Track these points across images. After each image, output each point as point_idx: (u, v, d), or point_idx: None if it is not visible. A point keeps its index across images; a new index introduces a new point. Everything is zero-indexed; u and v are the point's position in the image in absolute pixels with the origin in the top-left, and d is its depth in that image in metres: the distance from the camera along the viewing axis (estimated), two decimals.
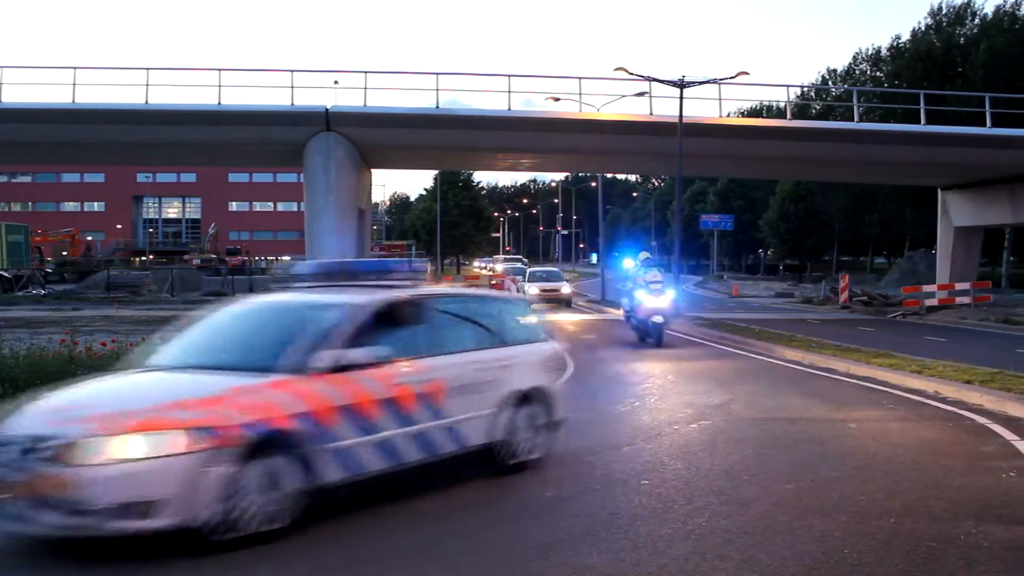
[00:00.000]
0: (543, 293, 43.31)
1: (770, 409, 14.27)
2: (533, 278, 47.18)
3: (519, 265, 71.22)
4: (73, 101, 34.10)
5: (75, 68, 34.26)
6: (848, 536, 7.32)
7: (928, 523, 7.72)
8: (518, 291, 39.44)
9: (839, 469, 9.94)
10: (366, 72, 34.43)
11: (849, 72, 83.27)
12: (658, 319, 24.43)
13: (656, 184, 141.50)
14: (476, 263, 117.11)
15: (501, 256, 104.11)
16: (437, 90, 35.44)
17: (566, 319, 35.50)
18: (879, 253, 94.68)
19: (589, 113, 37.68)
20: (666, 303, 25.00)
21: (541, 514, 8.18)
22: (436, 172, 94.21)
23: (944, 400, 14.83)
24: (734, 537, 7.31)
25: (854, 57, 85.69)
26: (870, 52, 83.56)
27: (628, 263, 27.65)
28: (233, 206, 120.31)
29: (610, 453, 10.83)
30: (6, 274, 55.67)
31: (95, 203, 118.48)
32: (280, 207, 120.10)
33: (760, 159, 41.47)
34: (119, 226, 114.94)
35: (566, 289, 46.42)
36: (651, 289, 24.74)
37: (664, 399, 15.25)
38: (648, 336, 24.65)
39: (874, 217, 78.60)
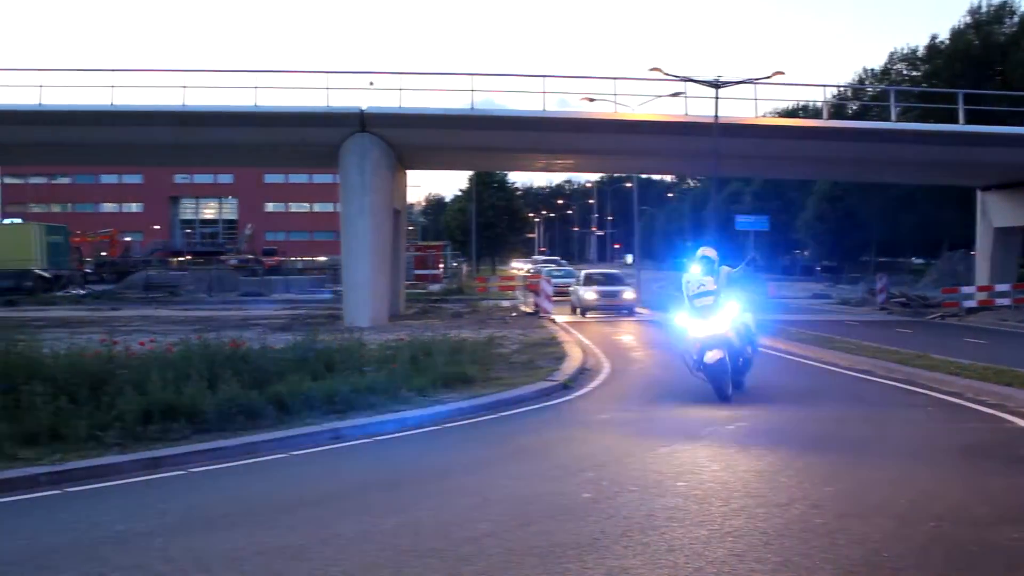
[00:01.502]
0: (602, 299, 38.56)
1: (806, 410, 14.18)
2: (590, 281, 41.22)
3: (556, 266, 70.61)
4: (111, 103, 34.34)
5: (112, 70, 34.57)
6: (887, 540, 7.24)
7: (969, 527, 7.63)
8: (550, 294, 38.27)
9: (878, 471, 9.85)
10: (401, 73, 34.53)
11: (885, 72, 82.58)
12: (713, 355, 14.80)
13: (692, 185, 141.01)
14: (514, 263, 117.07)
15: (540, 257, 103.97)
16: (472, 91, 35.49)
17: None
18: (917, 254, 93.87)
19: (624, 113, 37.57)
20: (723, 325, 15.05)
21: (578, 515, 8.15)
22: (471, 173, 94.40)
23: (984, 403, 14.67)
24: (771, 539, 7.26)
25: (890, 56, 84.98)
26: (906, 51, 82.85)
27: (694, 269, 15.57)
28: (269, 207, 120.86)
29: (647, 454, 10.80)
30: (46, 274, 56.24)
31: (133, 204, 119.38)
32: (316, 208, 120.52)
33: (796, 159, 41.19)
34: (157, 227, 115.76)
35: (629, 294, 39.97)
36: (697, 305, 15.20)
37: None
38: (715, 385, 14.99)
39: (911, 218, 77.95)
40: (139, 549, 7.38)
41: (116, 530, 7.97)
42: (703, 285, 15.21)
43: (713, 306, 15.08)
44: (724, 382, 14.86)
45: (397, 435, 12.29)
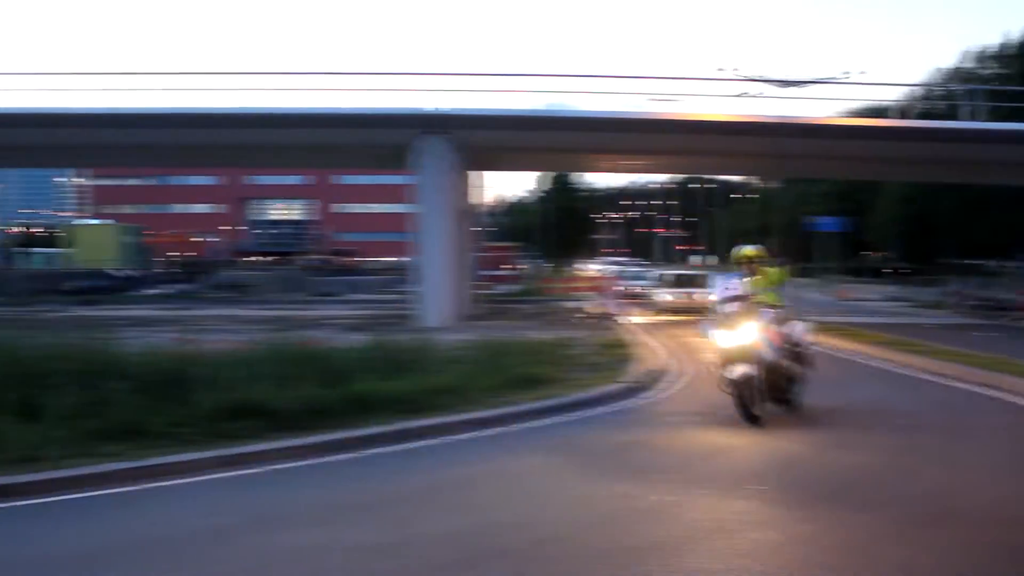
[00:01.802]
0: (678, 301, 36.78)
1: (882, 413, 14.00)
2: (666, 282, 39.23)
3: (627, 267, 69.82)
4: (185, 105, 34.93)
5: (184, 74, 35.15)
6: (961, 547, 7.16)
7: None
8: (624, 297, 37.66)
9: (954, 477, 9.73)
10: (470, 74, 34.71)
11: (957, 71, 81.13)
12: (739, 369, 12.70)
13: (761, 185, 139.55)
14: (584, 264, 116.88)
15: (609, 257, 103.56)
16: (541, 92, 35.53)
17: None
18: (993, 256, 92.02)
19: (694, 114, 37.32)
20: (753, 335, 12.91)
21: (645, 517, 8.17)
22: (541, 174, 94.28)
23: None
24: (841, 545, 7.22)
25: (963, 55, 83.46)
26: (980, 51, 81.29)
27: (746, 268, 14.03)
28: (340, 207, 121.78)
29: (719, 456, 10.77)
30: (122, 274, 57.26)
31: (210, 205, 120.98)
32: (386, 208, 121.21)
33: (869, 160, 40.67)
34: (229, 227, 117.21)
35: (707, 296, 37.55)
36: (725, 312, 13.28)
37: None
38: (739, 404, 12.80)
39: (987, 220, 76.50)
40: (216, 545, 7.55)
41: (194, 526, 8.14)
42: (732, 289, 13.40)
43: (742, 312, 13.06)
44: (751, 401, 12.58)
45: (468, 436, 12.37)
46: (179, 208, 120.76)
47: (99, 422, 10.98)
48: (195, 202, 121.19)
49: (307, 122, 35.45)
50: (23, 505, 9.07)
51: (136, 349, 13.69)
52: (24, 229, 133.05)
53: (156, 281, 60.94)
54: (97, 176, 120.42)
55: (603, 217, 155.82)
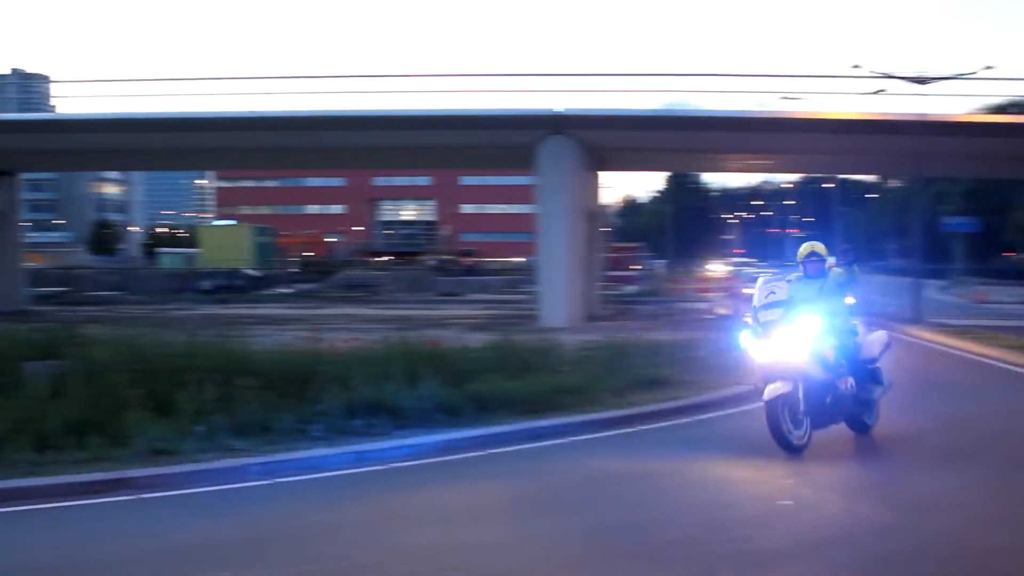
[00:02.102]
0: None
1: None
2: None
3: (757, 269, 68.39)
4: (315, 109, 35.61)
5: (311, 77, 35.82)
6: None
7: None
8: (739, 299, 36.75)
9: None
10: (594, 75, 34.64)
11: None
12: (774, 389, 10.68)
13: (895, 184, 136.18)
14: (710, 265, 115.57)
15: (736, 258, 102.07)
16: (664, 91, 35.20)
17: None
18: None
19: (823, 112, 36.57)
20: (795, 348, 10.85)
21: (777, 522, 7.99)
22: (666, 174, 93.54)
23: None
24: (975, 554, 6.95)
25: None
26: None
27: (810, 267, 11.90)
28: (466, 208, 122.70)
29: (852, 463, 10.51)
30: (255, 273, 58.64)
31: (336, 206, 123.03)
32: (511, 209, 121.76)
33: (1010, 158, 39.28)
34: (358, 228, 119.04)
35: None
36: (762, 320, 11.18)
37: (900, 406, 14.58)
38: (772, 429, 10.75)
39: None
40: (344, 540, 7.63)
41: (323, 521, 8.23)
42: (773, 293, 11.23)
43: (782, 321, 10.93)
44: (784, 427, 10.60)
45: (593, 436, 12.27)
46: (313, 209, 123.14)
47: (231, 418, 11.21)
48: (323, 203, 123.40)
49: (433, 124, 35.79)
50: (156, 497, 9.29)
51: (266, 347, 13.93)
52: (163, 230, 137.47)
53: (286, 281, 62.23)
54: (226, 178, 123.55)
55: (730, 217, 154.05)
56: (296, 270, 74.02)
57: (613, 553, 7.11)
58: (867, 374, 11.74)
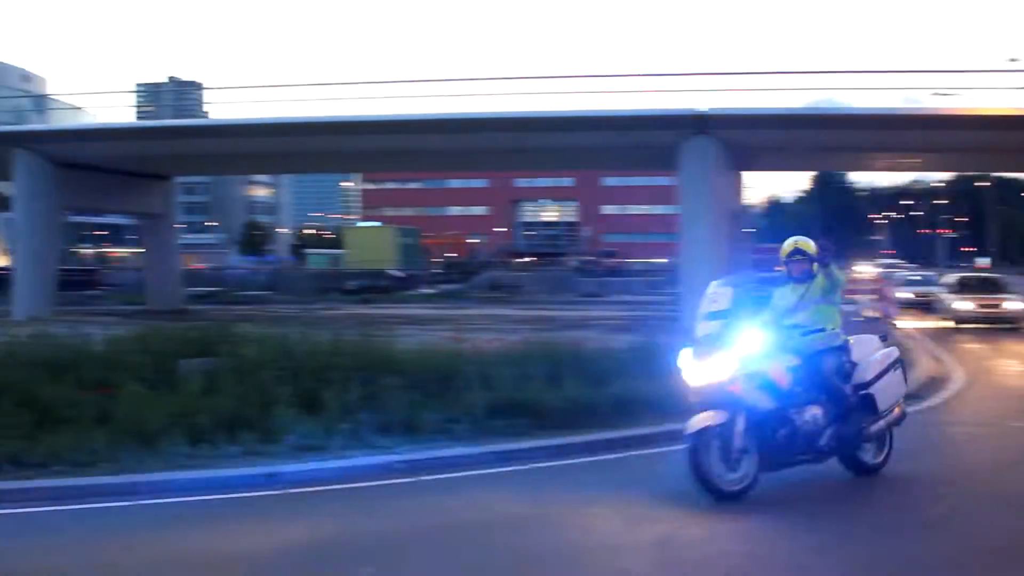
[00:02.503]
0: (978, 309, 31.68)
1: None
2: (963, 287, 34.42)
3: (910, 270, 66.29)
4: (458, 111, 35.98)
5: (455, 80, 36.19)
6: None
7: None
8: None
9: None
10: (737, 73, 34.17)
11: None
12: (700, 420, 8.68)
13: None
14: (858, 266, 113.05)
15: (886, 259, 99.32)
16: (808, 89, 34.50)
17: None
18: None
19: (977, 108, 35.24)
20: (729, 369, 8.76)
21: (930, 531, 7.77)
22: (811, 173, 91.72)
23: None
24: None
25: None
26: None
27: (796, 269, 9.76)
28: (607, 208, 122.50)
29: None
30: (399, 274, 59.58)
31: (478, 207, 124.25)
32: (654, 210, 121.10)
33: None
34: (500, 229, 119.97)
35: (1014, 304, 31.71)
36: (701, 335, 9.06)
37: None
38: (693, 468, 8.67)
39: None
40: (476, 540, 7.68)
41: (464, 519, 8.31)
42: (715, 302, 9.10)
43: (722, 336, 8.84)
44: (709, 467, 8.54)
45: None
46: (455, 210, 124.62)
47: (375, 416, 11.41)
48: (465, 204, 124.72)
49: (575, 125, 35.78)
50: (304, 492, 9.53)
51: (410, 347, 14.12)
52: (310, 231, 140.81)
53: (429, 281, 63.08)
54: (371, 180, 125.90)
55: (878, 217, 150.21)
56: (439, 271, 74.94)
57: (755, 557, 6.99)
58: (855, 402, 9.43)
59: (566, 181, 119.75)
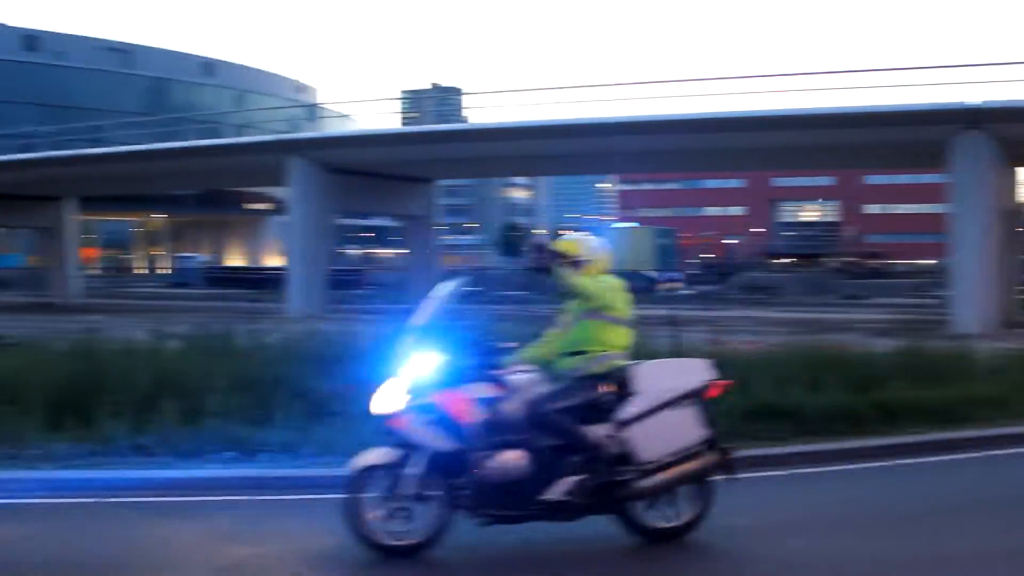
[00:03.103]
0: None
1: None
2: None
3: None
4: (714, 111, 35.64)
5: (712, 79, 35.79)
6: None
7: None
8: None
9: None
10: (1011, 63, 32.26)
11: None
12: (368, 459, 7.32)
13: None
14: None
15: None
16: None
17: None
18: None
19: None
20: (400, 402, 7.23)
21: None
22: None
23: None
24: None
25: None
26: None
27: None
28: (870, 208, 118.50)
29: None
30: (655, 275, 59.54)
31: (735, 207, 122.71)
32: (920, 209, 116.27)
33: None
34: (757, 229, 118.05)
35: None
36: (405, 343, 7.39)
37: None
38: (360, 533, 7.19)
39: None
40: (727, 546, 7.62)
41: (721, 524, 8.21)
42: (426, 309, 7.48)
43: (404, 356, 7.37)
44: (366, 514, 7.16)
45: (1015, 451, 11.45)
46: (712, 211, 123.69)
47: None
48: (722, 205, 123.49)
49: (837, 122, 34.80)
50: None
51: (664, 348, 14.06)
52: (567, 232, 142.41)
53: (688, 282, 62.75)
54: (627, 181, 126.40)
55: None
56: (695, 272, 74.43)
57: None
58: (614, 448, 7.33)
59: (826, 180, 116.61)
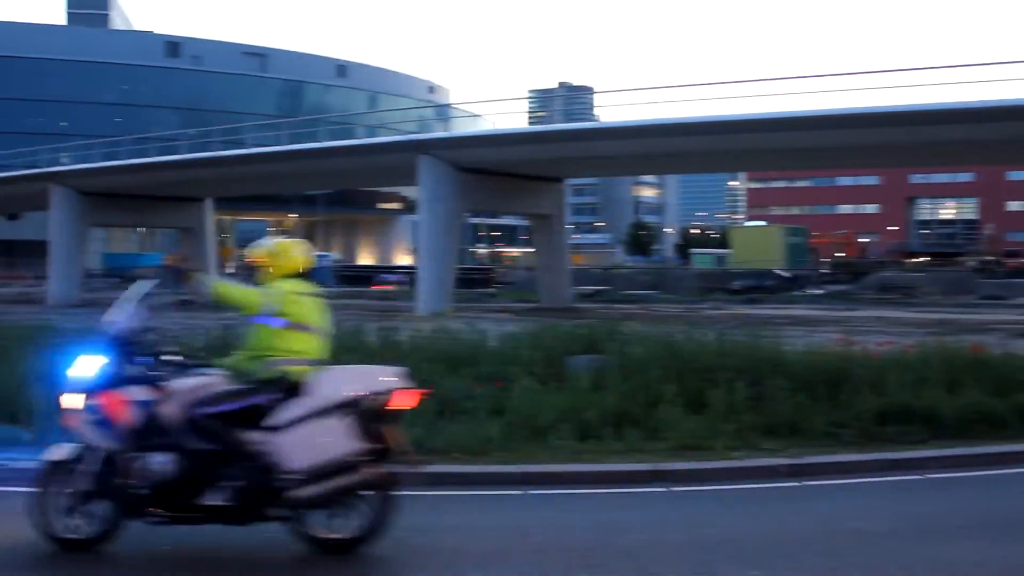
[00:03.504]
0: None
1: None
2: None
3: None
4: (846, 107, 34.89)
5: (842, 75, 35.01)
6: None
7: None
8: None
9: None
10: None
11: None
12: (54, 452, 7.41)
13: None
14: None
15: None
16: None
17: None
18: None
19: None
20: (69, 399, 7.34)
21: None
22: None
23: None
24: None
25: None
26: None
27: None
28: (1012, 205, 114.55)
29: None
30: (785, 274, 58.58)
31: (869, 205, 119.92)
32: None
33: None
34: (892, 227, 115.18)
35: None
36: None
37: None
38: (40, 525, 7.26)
39: None
40: (873, 548, 7.46)
41: (851, 527, 8.08)
42: (121, 315, 7.42)
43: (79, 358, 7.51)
44: (47, 505, 7.23)
45: None
46: (845, 209, 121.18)
47: (760, 418, 11.33)
48: (856, 202, 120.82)
49: (978, 116, 33.72)
50: (688, 491, 9.61)
51: (797, 348, 13.86)
52: (695, 231, 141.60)
53: (817, 282, 61.61)
54: (757, 179, 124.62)
55: None
56: (828, 271, 72.99)
57: None
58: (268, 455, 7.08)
59: (966, 176, 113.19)
